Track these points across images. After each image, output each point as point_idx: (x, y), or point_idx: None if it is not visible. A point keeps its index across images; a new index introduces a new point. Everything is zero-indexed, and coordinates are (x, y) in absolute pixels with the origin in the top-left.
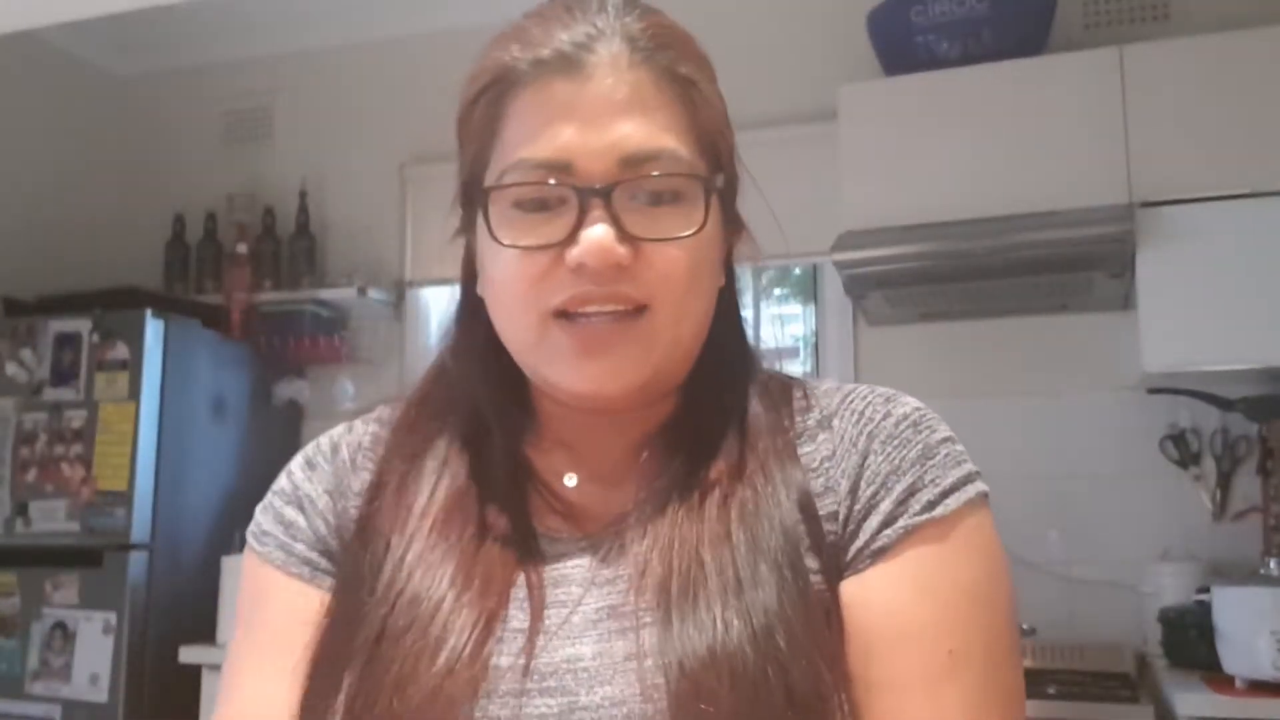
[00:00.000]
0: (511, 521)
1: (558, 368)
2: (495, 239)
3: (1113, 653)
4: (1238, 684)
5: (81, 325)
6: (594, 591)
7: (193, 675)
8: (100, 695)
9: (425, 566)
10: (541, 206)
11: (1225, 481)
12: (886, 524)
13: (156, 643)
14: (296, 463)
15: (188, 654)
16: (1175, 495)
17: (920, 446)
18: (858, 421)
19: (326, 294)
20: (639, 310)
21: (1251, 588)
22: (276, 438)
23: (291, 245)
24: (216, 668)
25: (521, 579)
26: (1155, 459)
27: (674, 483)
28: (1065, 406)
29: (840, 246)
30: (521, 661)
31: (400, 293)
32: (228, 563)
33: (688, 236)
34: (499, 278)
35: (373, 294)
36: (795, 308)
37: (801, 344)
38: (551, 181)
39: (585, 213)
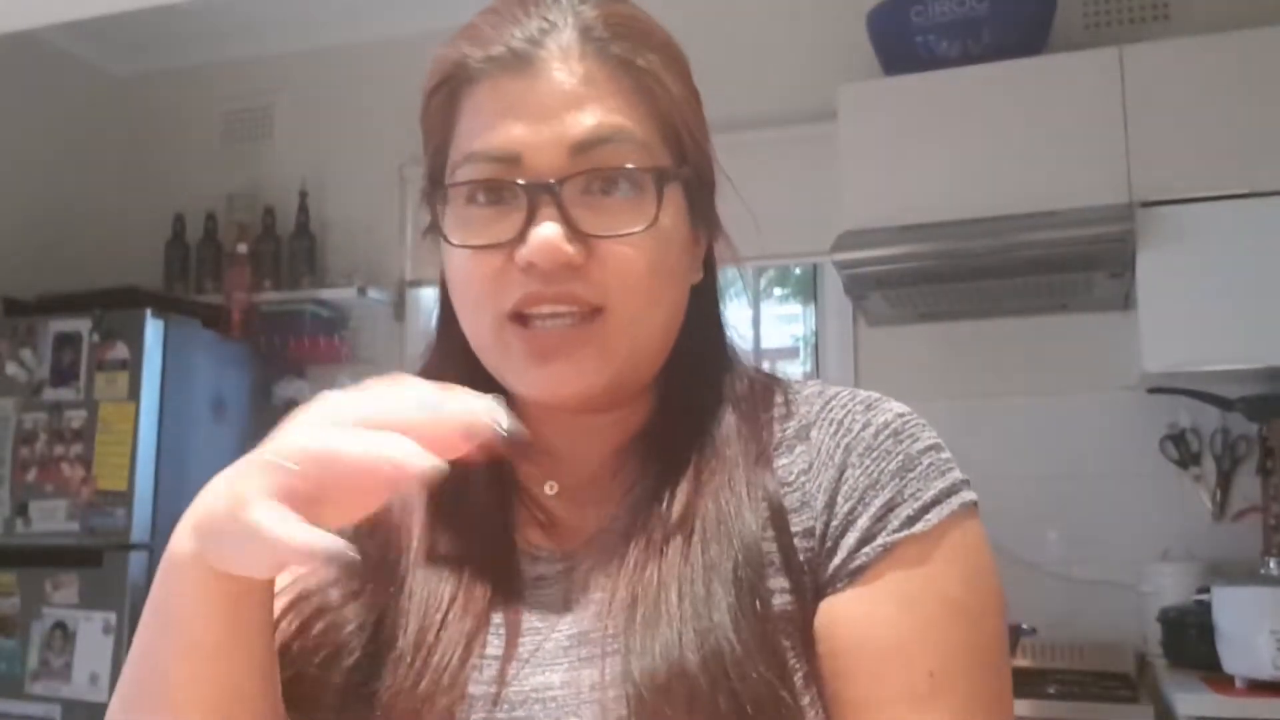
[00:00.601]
0: (494, 534)
1: (514, 373)
2: (446, 239)
3: (1113, 652)
4: (1238, 684)
5: (81, 325)
6: (567, 617)
7: None
8: (100, 695)
9: (423, 580)
10: (494, 202)
11: (1225, 481)
12: (864, 541)
13: None
14: None
15: None
16: (1175, 495)
17: (900, 458)
18: (836, 432)
19: (326, 294)
20: (594, 312)
21: (1251, 587)
22: None
23: (291, 245)
24: None
25: (500, 602)
26: (1155, 459)
27: (643, 499)
28: (1065, 406)
29: (840, 246)
30: (494, 690)
31: (400, 292)
32: None
33: (639, 232)
34: (455, 278)
35: (372, 294)
36: (795, 308)
37: (801, 344)
38: (497, 176)
39: (534, 210)
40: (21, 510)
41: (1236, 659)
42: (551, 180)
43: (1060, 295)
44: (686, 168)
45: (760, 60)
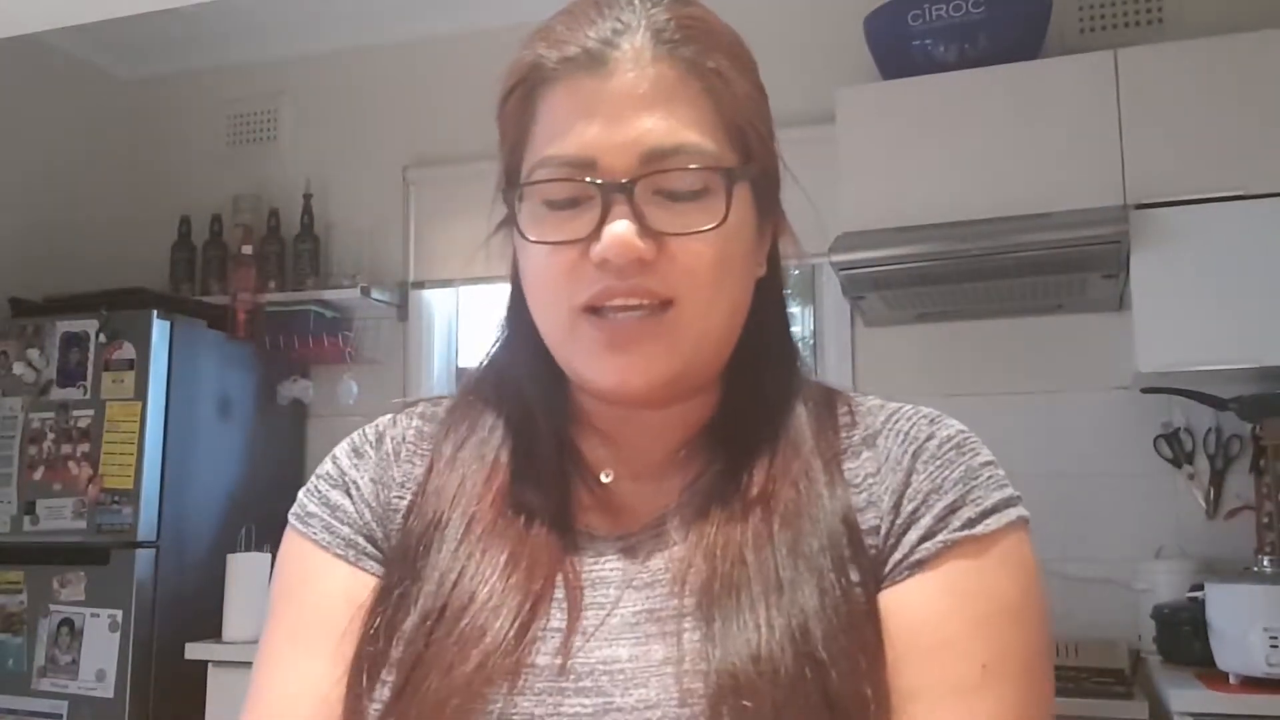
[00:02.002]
0: (554, 513)
1: (585, 362)
2: (523, 235)
3: (1107, 649)
4: (1231, 680)
5: (88, 325)
6: (630, 594)
7: (199, 672)
8: (107, 691)
9: (480, 552)
10: (570, 204)
11: (1218, 480)
12: (926, 538)
13: (163, 639)
14: (343, 449)
15: (194, 650)
16: (1169, 493)
17: (963, 468)
18: (903, 441)
19: (330, 295)
20: (665, 305)
21: (1244, 585)
22: (281, 437)
23: (296, 246)
24: (222, 664)
25: (560, 579)
26: (1149, 458)
27: (715, 483)
28: (1060, 406)
29: (838, 248)
30: (558, 660)
31: (403, 293)
32: (233, 560)
33: (709, 230)
34: (530, 273)
35: (376, 295)
36: (793, 308)
37: (800, 344)
38: (576, 179)
39: (608, 209)
40: (29, 508)
41: (1230, 656)
42: (624, 180)
43: (1055, 296)
44: (753, 165)
45: (759, 63)
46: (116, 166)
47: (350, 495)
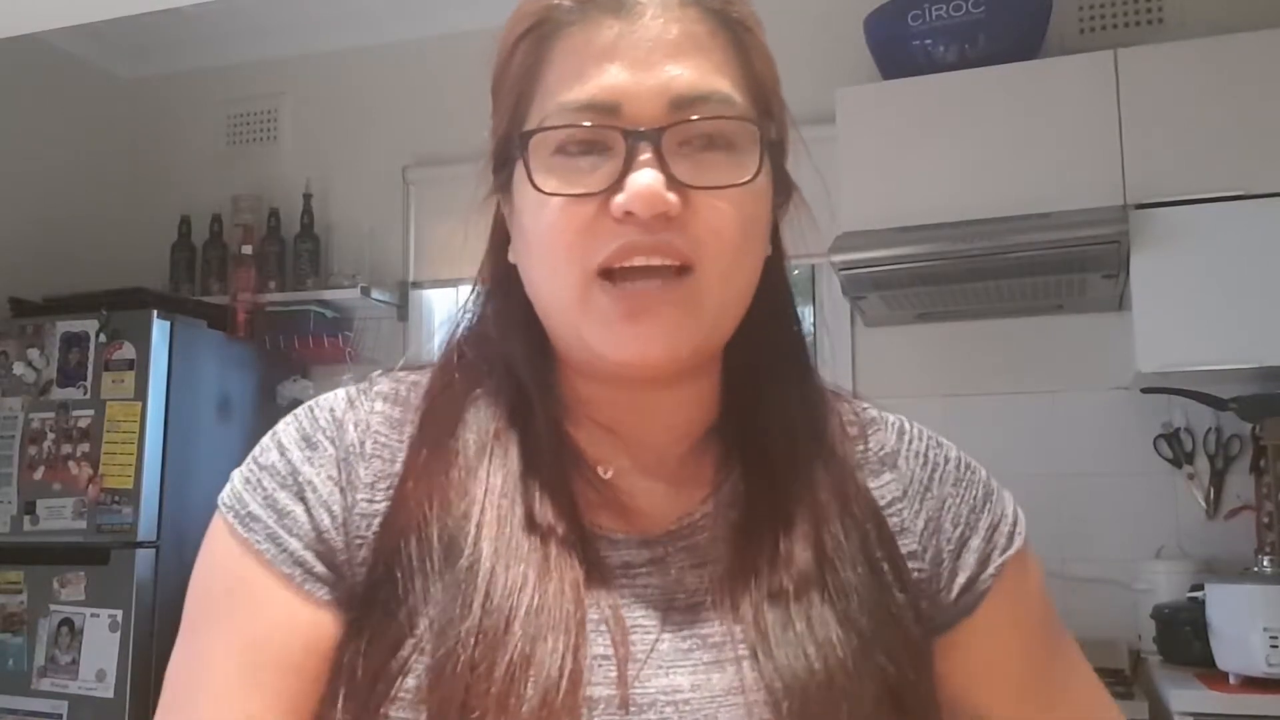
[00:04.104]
0: (563, 515)
1: (600, 332)
2: (536, 188)
3: (1107, 649)
4: (1231, 680)
5: (88, 325)
6: (673, 616)
7: None
8: (107, 691)
9: (501, 568)
10: (586, 152)
11: (1218, 480)
12: (983, 562)
13: (163, 639)
14: (289, 436)
15: None
16: (1169, 493)
17: (981, 485)
18: (924, 465)
19: (330, 295)
20: (684, 271)
21: (1244, 585)
22: None
23: (296, 246)
24: None
25: (591, 597)
26: (1149, 458)
27: (740, 491)
28: (1060, 406)
29: (838, 248)
30: (618, 693)
31: (404, 293)
32: None
33: (742, 185)
34: (540, 231)
35: (376, 295)
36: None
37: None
38: (596, 124)
39: (633, 158)
40: (29, 508)
41: (1230, 656)
42: (648, 128)
43: (1055, 296)
44: (772, 127)
45: None
46: (116, 166)
47: (304, 499)
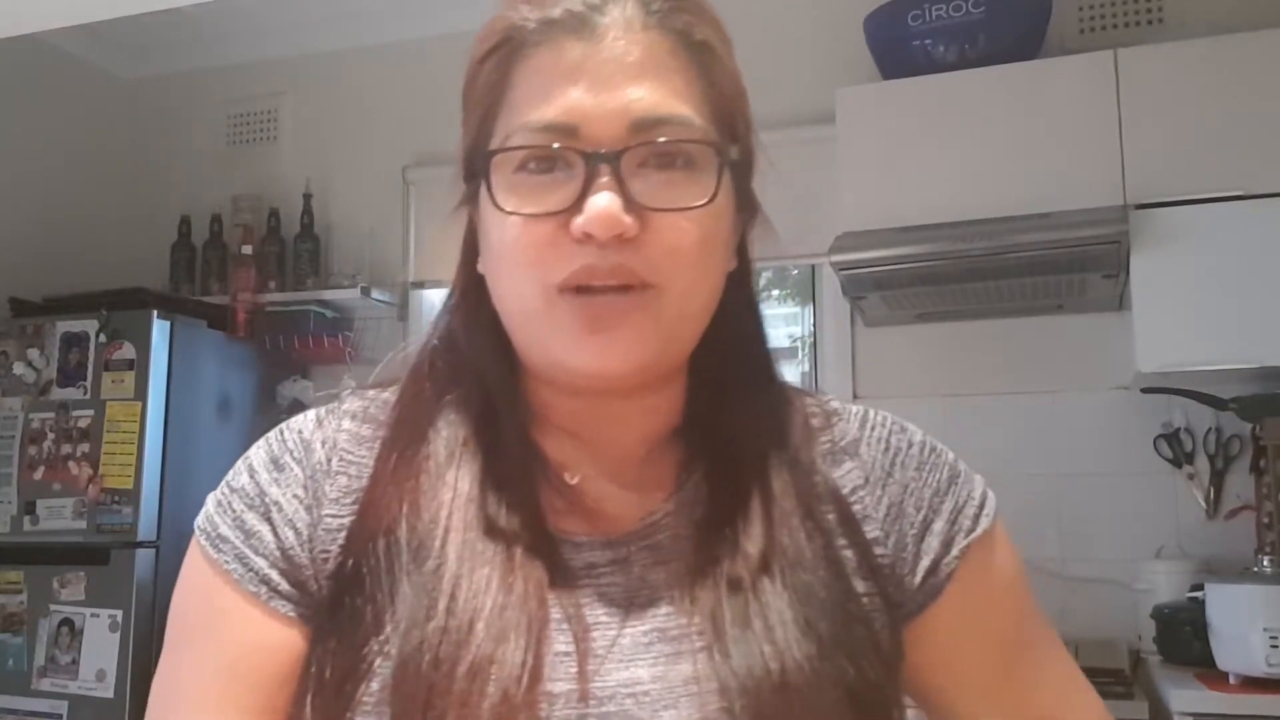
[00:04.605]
0: (530, 521)
1: (563, 344)
2: (497, 206)
3: (1107, 649)
4: (1231, 680)
5: (88, 325)
6: (635, 613)
7: None
8: (107, 692)
9: (466, 573)
10: (547, 170)
11: (1218, 480)
12: (946, 546)
13: (162, 640)
14: (259, 459)
15: None
16: (1169, 494)
17: (947, 469)
18: (885, 450)
19: (330, 295)
20: (645, 287)
21: (1244, 585)
22: None
23: (296, 246)
24: None
25: (554, 598)
26: (1149, 458)
27: (702, 489)
28: (1060, 406)
29: (838, 248)
30: (577, 687)
31: (404, 294)
32: None
33: (699, 207)
34: (501, 248)
35: (376, 295)
36: (793, 309)
37: (799, 345)
38: (557, 145)
39: (591, 179)
40: (29, 508)
41: (1230, 656)
42: (608, 150)
43: (1055, 296)
44: (736, 148)
45: (759, 64)
46: (116, 166)
47: (270, 519)
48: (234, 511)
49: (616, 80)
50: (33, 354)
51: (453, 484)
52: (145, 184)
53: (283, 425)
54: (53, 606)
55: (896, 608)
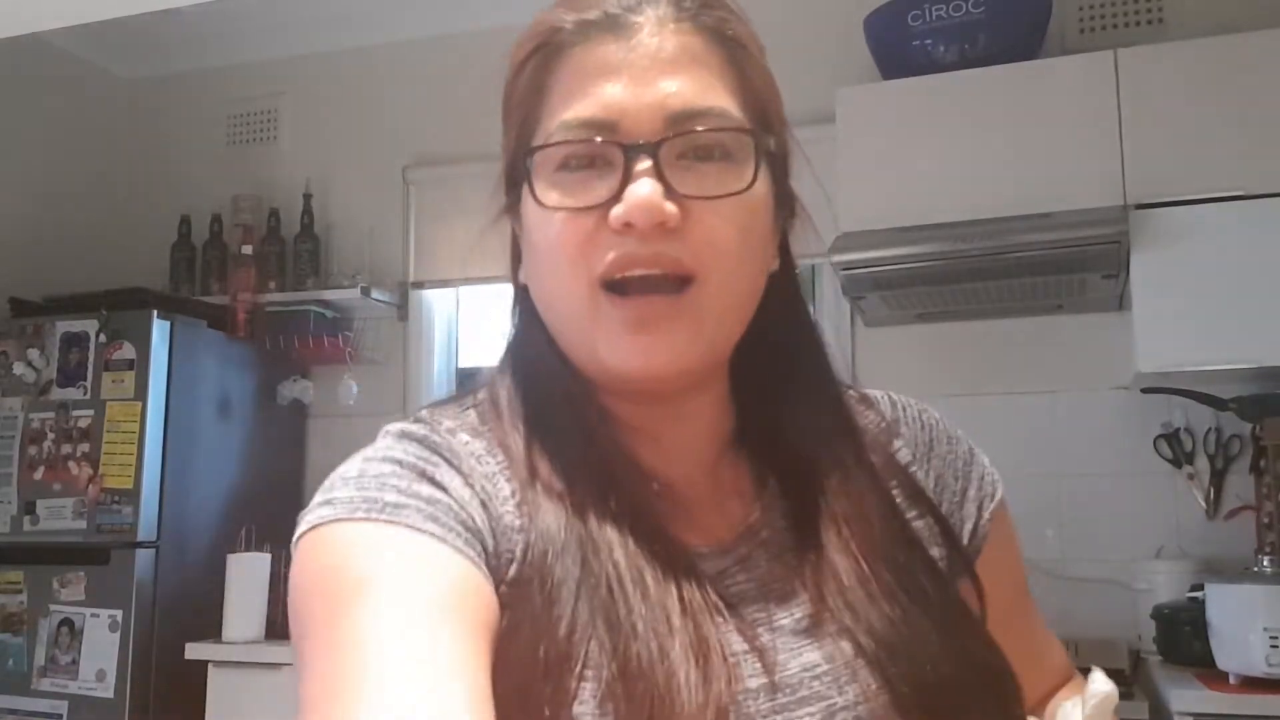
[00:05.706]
0: (654, 530)
1: (608, 344)
2: (539, 202)
3: (1107, 649)
4: (1231, 680)
5: (88, 325)
6: (777, 605)
7: (199, 672)
8: (107, 692)
9: (636, 589)
10: (587, 167)
11: (1218, 480)
12: (979, 510)
13: (163, 639)
14: (397, 451)
15: (194, 651)
16: (1169, 493)
17: (964, 441)
18: (922, 428)
19: (330, 295)
20: (684, 283)
21: (1244, 585)
22: (281, 437)
23: (296, 247)
24: (222, 664)
25: (705, 600)
26: (1149, 458)
27: (779, 495)
28: (1060, 406)
29: (838, 248)
30: (767, 680)
31: (404, 293)
32: (233, 560)
33: (738, 193)
34: (545, 245)
35: (376, 295)
36: None
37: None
38: (597, 139)
39: (631, 170)
40: (29, 508)
41: (1230, 656)
42: (649, 141)
43: (1055, 296)
44: (772, 139)
45: None
46: (116, 166)
47: (447, 490)
48: (398, 487)
49: (653, 75)
50: (33, 354)
51: (577, 499)
52: (145, 184)
53: (388, 435)
54: (53, 606)
55: (956, 570)
